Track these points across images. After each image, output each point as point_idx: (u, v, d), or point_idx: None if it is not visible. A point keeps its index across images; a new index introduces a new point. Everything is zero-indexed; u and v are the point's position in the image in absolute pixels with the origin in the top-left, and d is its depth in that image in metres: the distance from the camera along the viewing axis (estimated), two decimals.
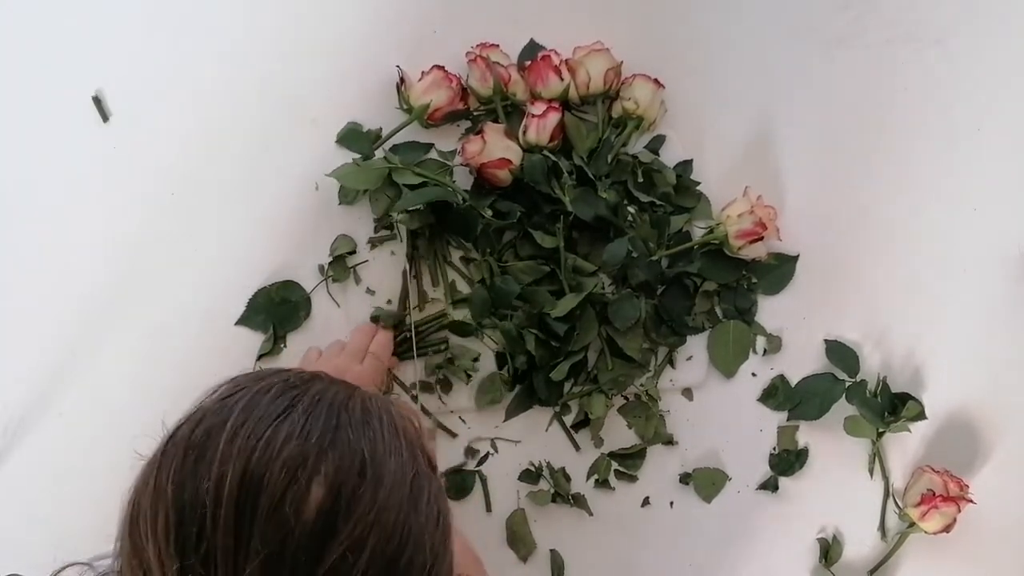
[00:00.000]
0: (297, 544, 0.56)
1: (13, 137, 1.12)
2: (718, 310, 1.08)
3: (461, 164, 1.07)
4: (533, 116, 1.06)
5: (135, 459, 0.63)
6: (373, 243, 1.09)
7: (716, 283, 1.08)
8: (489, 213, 1.05)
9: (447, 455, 1.05)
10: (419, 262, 1.08)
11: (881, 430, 1.04)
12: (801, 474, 1.06)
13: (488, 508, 1.05)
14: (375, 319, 1.06)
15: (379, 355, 1.02)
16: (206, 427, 0.60)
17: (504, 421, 1.06)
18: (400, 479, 0.60)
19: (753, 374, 1.08)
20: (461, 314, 1.07)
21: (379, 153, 1.09)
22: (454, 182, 1.07)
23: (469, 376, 1.05)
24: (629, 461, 1.06)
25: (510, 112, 1.10)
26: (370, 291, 1.08)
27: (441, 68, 1.08)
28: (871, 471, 1.06)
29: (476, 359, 1.06)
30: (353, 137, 1.10)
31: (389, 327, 1.05)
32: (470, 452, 1.06)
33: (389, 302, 1.08)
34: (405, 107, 1.09)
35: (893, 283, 1.10)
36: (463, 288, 1.08)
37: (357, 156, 1.09)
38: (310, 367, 1.01)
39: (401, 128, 1.09)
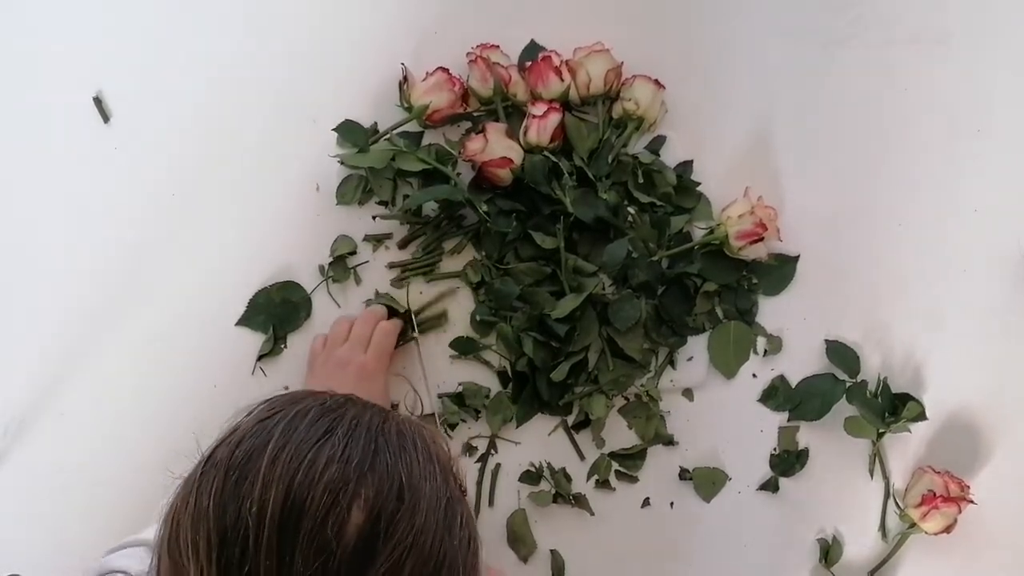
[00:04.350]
0: (338, 567, 0.57)
1: (14, 138, 1.12)
2: (719, 311, 1.08)
3: (464, 159, 1.07)
4: (534, 117, 1.06)
5: (170, 478, 0.63)
6: (370, 240, 1.09)
7: (716, 284, 1.08)
8: (484, 208, 1.05)
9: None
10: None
11: (881, 431, 1.04)
12: (801, 475, 1.06)
13: (491, 503, 1.05)
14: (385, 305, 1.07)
15: (382, 343, 1.03)
16: (246, 449, 0.60)
17: (517, 427, 1.06)
18: (435, 503, 0.61)
19: (754, 375, 1.08)
20: (462, 327, 1.07)
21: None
22: (459, 175, 1.07)
23: (479, 412, 1.06)
24: (629, 461, 1.06)
25: (511, 113, 1.10)
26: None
27: (445, 71, 1.08)
28: (871, 472, 1.06)
29: (488, 395, 1.06)
30: (350, 130, 1.10)
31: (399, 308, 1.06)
32: (468, 448, 1.06)
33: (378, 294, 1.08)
34: (405, 106, 1.09)
35: (893, 283, 1.10)
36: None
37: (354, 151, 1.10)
38: (315, 356, 1.03)
39: (399, 126, 1.10)
